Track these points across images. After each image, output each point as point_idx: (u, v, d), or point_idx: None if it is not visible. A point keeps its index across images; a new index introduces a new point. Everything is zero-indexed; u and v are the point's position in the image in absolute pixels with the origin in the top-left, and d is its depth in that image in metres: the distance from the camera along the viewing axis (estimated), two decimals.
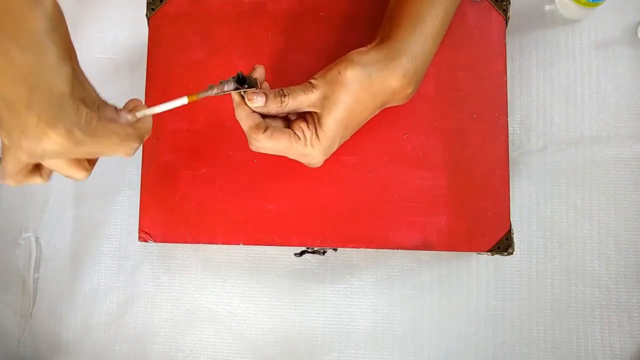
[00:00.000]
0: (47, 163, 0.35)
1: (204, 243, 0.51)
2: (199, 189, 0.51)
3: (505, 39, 0.51)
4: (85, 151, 0.33)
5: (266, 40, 0.52)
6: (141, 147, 0.52)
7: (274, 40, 0.52)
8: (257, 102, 0.42)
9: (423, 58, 0.43)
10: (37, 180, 0.38)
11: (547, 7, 0.60)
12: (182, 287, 0.59)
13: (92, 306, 0.60)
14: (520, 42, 0.59)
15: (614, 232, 0.56)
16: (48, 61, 0.31)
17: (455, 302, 0.57)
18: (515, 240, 0.50)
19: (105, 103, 0.36)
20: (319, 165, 0.45)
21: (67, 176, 0.36)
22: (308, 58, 0.51)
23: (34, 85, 0.30)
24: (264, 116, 0.43)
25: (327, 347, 0.57)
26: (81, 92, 0.34)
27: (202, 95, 0.40)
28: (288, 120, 0.45)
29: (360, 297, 0.58)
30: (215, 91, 0.40)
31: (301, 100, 0.42)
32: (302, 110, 0.43)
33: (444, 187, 0.49)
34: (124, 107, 0.38)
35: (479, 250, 0.49)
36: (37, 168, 0.37)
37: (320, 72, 0.44)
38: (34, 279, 0.62)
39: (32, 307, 0.61)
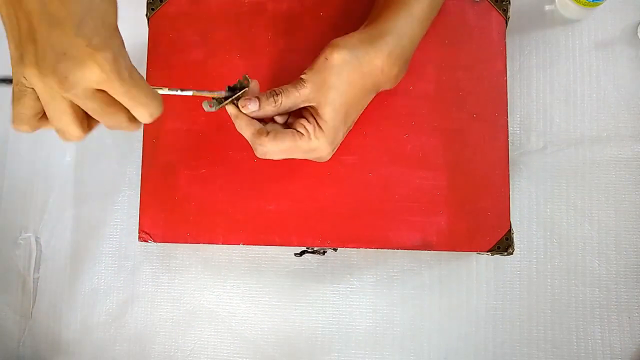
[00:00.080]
0: (58, 105, 0.32)
1: (204, 243, 0.51)
2: (199, 189, 0.51)
3: (505, 39, 0.51)
4: (119, 93, 0.31)
5: (266, 40, 0.52)
6: (141, 147, 0.52)
7: (274, 40, 0.52)
8: (252, 106, 0.42)
9: (409, 39, 0.44)
10: (48, 125, 0.35)
11: (547, 7, 0.60)
12: (182, 287, 0.59)
13: (92, 306, 0.60)
14: (520, 42, 0.59)
15: (614, 232, 0.56)
16: None
17: (455, 302, 0.57)
18: (515, 240, 0.50)
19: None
20: (328, 158, 0.45)
21: (61, 130, 0.34)
22: (308, 58, 0.51)
23: (89, 8, 0.29)
24: (263, 123, 0.43)
25: (327, 347, 0.57)
26: (121, 37, 0.33)
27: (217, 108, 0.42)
28: (287, 125, 0.45)
29: (360, 297, 0.58)
30: (214, 109, 0.42)
31: (295, 96, 0.42)
32: (298, 107, 0.43)
33: (444, 187, 0.49)
34: None
35: (479, 250, 0.49)
36: (43, 119, 0.35)
37: (308, 67, 0.44)
38: (34, 279, 0.62)
39: (32, 307, 0.61)
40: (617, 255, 0.56)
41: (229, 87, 0.42)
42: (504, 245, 0.49)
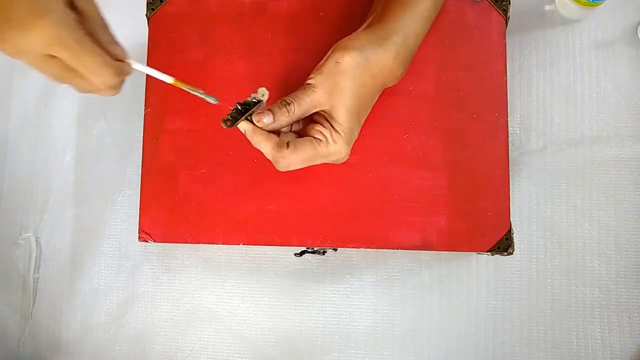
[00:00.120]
0: (31, 61, 0.32)
1: (204, 243, 0.51)
2: (199, 189, 0.51)
3: (505, 39, 0.51)
4: (66, 57, 0.31)
5: (266, 40, 0.52)
6: (141, 147, 0.52)
7: (274, 40, 0.52)
8: (267, 119, 0.41)
9: (414, 38, 0.44)
10: None
11: (547, 7, 0.60)
12: (182, 287, 0.59)
13: (92, 306, 0.60)
14: (520, 42, 0.59)
15: (614, 232, 0.56)
16: None
17: (455, 302, 0.57)
18: (515, 240, 0.50)
19: (106, 30, 0.36)
20: (347, 158, 0.45)
21: (41, 71, 0.34)
22: (308, 58, 0.51)
23: None
24: (278, 134, 0.43)
25: (327, 347, 0.57)
26: (79, 2, 0.33)
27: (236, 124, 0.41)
28: (297, 133, 0.45)
29: (360, 297, 0.58)
30: (230, 126, 0.41)
31: (306, 102, 0.42)
32: (309, 113, 0.43)
33: (444, 187, 0.49)
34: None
35: (479, 250, 0.49)
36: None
37: (314, 70, 0.43)
38: (34, 279, 0.62)
39: (32, 307, 0.61)
40: (617, 255, 0.56)
41: (239, 103, 0.41)
42: (504, 245, 0.49)
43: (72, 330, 0.60)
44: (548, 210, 0.57)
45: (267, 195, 0.50)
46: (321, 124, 0.43)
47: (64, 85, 0.35)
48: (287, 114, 0.42)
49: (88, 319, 0.60)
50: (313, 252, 0.54)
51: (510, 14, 0.51)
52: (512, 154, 0.56)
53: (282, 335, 0.58)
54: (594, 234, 0.56)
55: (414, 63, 0.47)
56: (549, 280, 0.56)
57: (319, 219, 0.50)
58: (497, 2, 0.51)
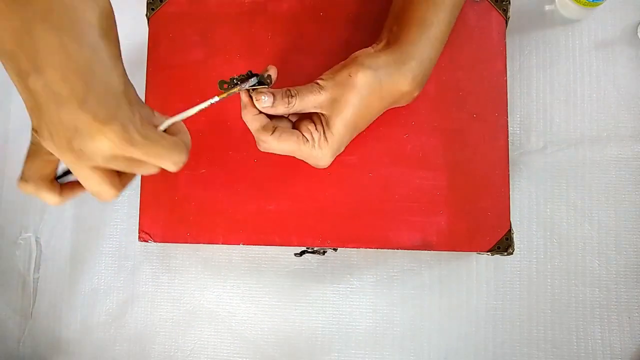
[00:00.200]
0: (83, 172, 0.32)
1: (204, 243, 0.51)
2: (199, 189, 0.51)
3: (505, 39, 0.51)
4: (137, 155, 0.31)
5: (266, 40, 0.52)
6: None
7: (274, 40, 0.52)
8: (265, 102, 0.41)
9: (429, 61, 0.44)
10: (50, 198, 0.35)
11: (547, 7, 0.60)
12: (182, 287, 0.59)
13: (92, 306, 0.60)
14: (520, 42, 0.59)
15: (614, 232, 0.56)
16: (104, 58, 0.30)
17: (455, 302, 0.57)
18: (515, 240, 0.50)
19: (148, 109, 0.35)
20: (326, 166, 0.45)
21: (95, 194, 0.34)
22: (308, 58, 0.51)
23: (90, 81, 0.29)
24: (269, 116, 0.43)
25: (327, 347, 0.57)
26: (132, 93, 0.33)
27: (229, 93, 0.39)
28: (289, 121, 0.45)
29: (360, 297, 0.58)
30: (229, 91, 0.40)
31: (308, 101, 0.42)
32: (307, 111, 0.43)
33: (444, 187, 0.49)
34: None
35: (479, 250, 0.49)
36: (54, 184, 0.36)
37: (328, 73, 0.43)
38: (34, 279, 0.62)
39: (32, 307, 0.61)
40: (617, 255, 0.56)
41: (250, 71, 0.41)
42: (504, 245, 0.49)
43: (72, 330, 0.60)
44: (548, 210, 0.57)
45: (267, 195, 0.50)
46: (314, 125, 0.43)
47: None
48: (287, 105, 0.42)
49: (88, 319, 0.60)
50: (313, 252, 0.54)
51: (510, 14, 0.51)
52: (512, 154, 0.56)
53: (282, 335, 0.58)
54: (594, 234, 0.56)
55: None
56: (549, 280, 0.56)
57: (319, 219, 0.50)
58: (497, 2, 0.51)
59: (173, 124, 0.35)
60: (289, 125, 0.44)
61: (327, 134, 0.42)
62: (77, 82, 0.29)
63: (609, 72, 0.58)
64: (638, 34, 0.58)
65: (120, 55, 0.33)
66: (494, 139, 0.50)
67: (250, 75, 0.41)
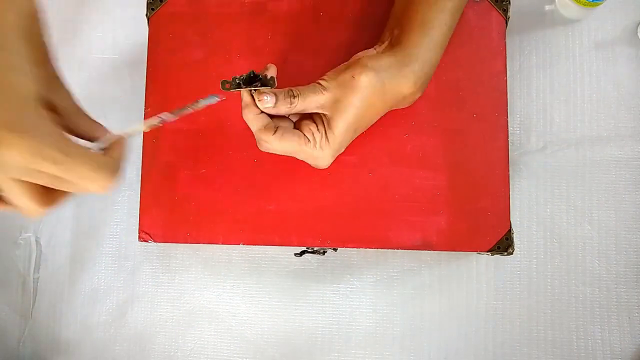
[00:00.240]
0: (4, 184, 0.28)
1: (204, 243, 0.51)
2: (199, 189, 0.51)
3: (505, 39, 0.51)
4: (53, 172, 0.28)
5: (266, 40, 0.52)
6: (141, 147, 0.52)
7: (274, 40, 0.52)
8: (267, 102, 0.41)
9: (431, 64, 0.44)
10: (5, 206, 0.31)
11: (547, 7, 0.60)
12: (182, 287, 0.59)
13: (92, 306, 0.60)
14: (520, 42, 0.59)
15: (614, 232, 0.56)
16: (16, 60, 0.28)
17: (455, 302, 0.57)
18: (515, 240, 0.50)
19: (87, 120, 0.33)
20: (326, 167, 0.45)
21: (18, 208, 0.30)
22: (308, 58, 0.51)
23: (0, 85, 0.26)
24: (270, 116, 0.43)
25: (327, 347, 0.57)
26: (55, 100, 0.30)
27: (225, 90, 0.39)
28: (290, 120, 0.45)
29: (360, 297, 0.58)
30: (230, 89, 0.40)
31: (311, 101, 0.42)
32: (309, 112, 0.43)
33: (444, 187, 0.49)
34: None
35: (479, 250, 0.49)
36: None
37: (330, 73, 0.43)
38: (34, 279, 0.62)
39: (32, 307, 0.61)
40: (617, 255, 0.56)
41: (253, 71, 0.41)
42: (504, 245, 0.49)
43: (72, 330, 0.60)
44: (548, 210, 0.57)
45: (267, 195, 0.50)
46: (316, 125, 0.43)
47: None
48: (289, 105, 0.41)
49: (88, 319, 0.60)
50: (313, 252, 0.54)
51: (510, 14, 0.51)
52: (512, 154, 0.56)
53: (282, 335, 0.58)
54: (594, 234, 0.56)
55: None
56: (549, 280, 0.56)
57: (319, 219, 0.50)
58: (497, 2, 0.51)
59: (117, 141, 0.32)
60: (291, 125, 0.44)
61: (329, 135, 0.42)
62: None
63: (609, 72, 0.58)
64: (638, 34, 0.58)
65: (45, 56, 0.30)
66: (494, 139, 0.50)
67: (252, 75, 0.41)
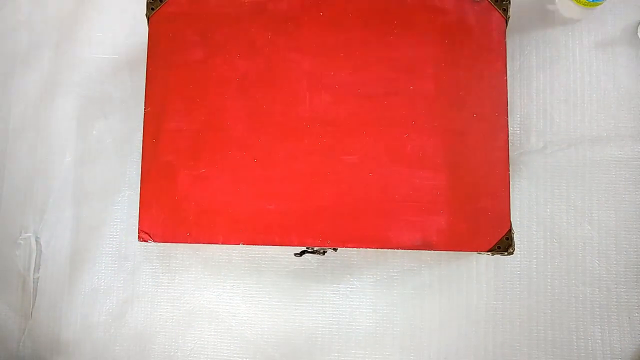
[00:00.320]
0: None
1: (204, 243, 0.51)
2: (199, 189, 0.51)
3: (505, 38, 0.51)
4: None
5: (266, 40, 0.52)
6: (141, 147, 0.52)
7: (274, 40, 0.52)
8: None
9: None
10: None
11: (547, 7, 0.60)
12: (182, 287, 0.59)
13: (92, 306, 0.60)
14: (520, 42, 0.59)
15: (614, 232, 0.56)
16: None
17: (455, 302, 0.57)
18: (515, 240, 0.50)
19: None
20: None
21: None
22: (308, 58, 0.51)
23: None
24: None
25: (327, 347, 0.57)
26: None
27: None
28: None
29: (360, 297, 0.58)
30: None
31: None
32: None
33: (444, 187, 0.49)
34: None
35: (479, 250, 0.49)
36: None
37: None
38: (34, 279, 0.62)
39: (32, 307, 0.61)
40: (617, 255, 0.56)
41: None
42: (504, 245, 0.49)
43: (72, 330, 0.60)
44: (548, 210, 0.57)
45: (267, 195, 0.50)
46: None
47: None
48: None
49: (88, 318, 0.60)
50: (313, 252, 0.54)
51: (510, 13, 0.51)
52: (512, 154, 0.56)
53: (282, 335, 0.58)
54: (594, 234, 0.56)
55: (414, 62, 0.47)
56: (549, 280, 0.56)
57: (319, 219, 0.50)
58: (497, 2, 0.51)
59: None
60: None
61: None
62: None
63: (609, 72, 0.58)
64: (638, 34, 0.58)
65: None
66: (494, 139, 0.50)
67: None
